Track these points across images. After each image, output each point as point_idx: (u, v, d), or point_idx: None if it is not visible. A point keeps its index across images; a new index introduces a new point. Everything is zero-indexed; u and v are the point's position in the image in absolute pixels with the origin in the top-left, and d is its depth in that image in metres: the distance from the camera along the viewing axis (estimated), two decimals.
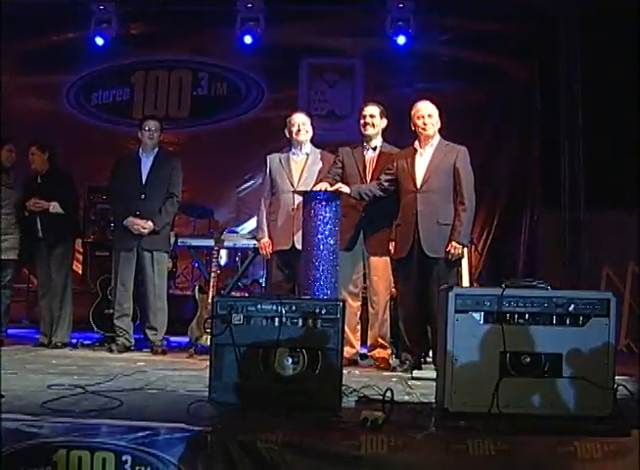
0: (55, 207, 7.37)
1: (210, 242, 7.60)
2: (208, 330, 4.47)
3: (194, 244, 8.29)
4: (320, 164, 6.86)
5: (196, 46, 11.28)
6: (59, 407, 3.86)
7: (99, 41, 10.89)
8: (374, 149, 6.70)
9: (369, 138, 6.68)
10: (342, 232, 6.22)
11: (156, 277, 7.22)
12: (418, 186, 6.15)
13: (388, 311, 6.65)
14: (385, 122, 6.72)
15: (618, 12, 8.23)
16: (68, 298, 7.52)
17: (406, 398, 4.68)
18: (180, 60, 11.35)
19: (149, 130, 7.28)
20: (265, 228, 6.87)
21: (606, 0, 8.62)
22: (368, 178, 6.59)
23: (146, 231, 7.09)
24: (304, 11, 10.85)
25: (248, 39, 10.76)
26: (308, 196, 6.06)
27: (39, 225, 7.38)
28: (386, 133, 6.77)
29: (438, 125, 6.29)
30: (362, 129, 6.68)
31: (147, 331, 7.25)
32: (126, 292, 7.21)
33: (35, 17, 10.72)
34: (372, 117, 6.66)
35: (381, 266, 6.59)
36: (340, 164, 6.67)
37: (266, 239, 6.84)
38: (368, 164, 6.67)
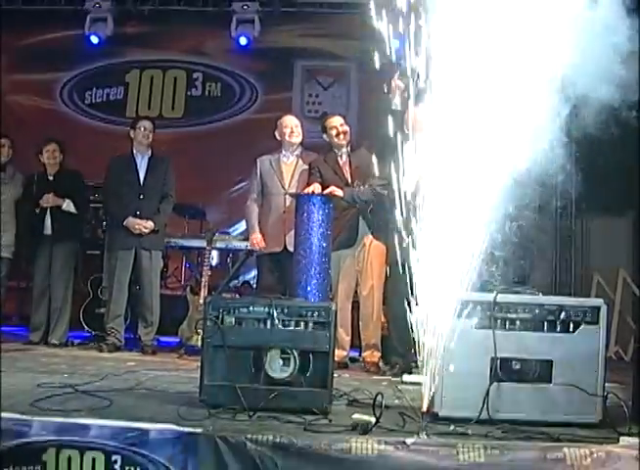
0: (68, 204, 7.40)
1: (202, 243, 7.61)
2: (200, 331, 4.47)
3: (185, 244, 8.30)
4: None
5: (191, 46, 11.29)
6: (49, 406, 3.85)
7: (94, 40, 10.91)
8: (347, 154, 6.85)
9: (342, 145, 6.81)
10: (342, 229, 6.39)
11: (153, 275, 7.26)
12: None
13: (380, 314, 6.68)
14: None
15: None
16: (69, 298, 7.53)
17: (396, 402, 4.68)
18: (175, 60, 11.35)
19: (144, 130, 7.32)
20: (256, 225, 6.87)
21: None
22: (350, 182, 6.66)
23: (147, 231, 7.13)
24: (300, 13, 10.89)
25: (243, 41, 10.79)
26: (301, 199, 6.07)
27: (49, 222, 7.40)
28: None
29: None
30: (336, 140, 6.84)
31: (141, 329, 7.25)
32: (122, 290, 7.22)
33: (30, 14, 10.72)
34: (342, 125, 6.87)
35: (376, 267, 6.60)
36: (318, 175, 6.72)
37: (257, 235, 6.83)
38: (346, 169, 6.78)
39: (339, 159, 6.81)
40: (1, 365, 4.93)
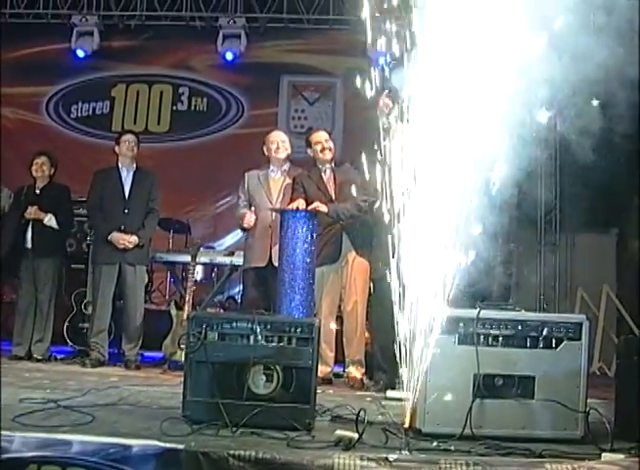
0: (50, 219, 7.37)
1: (187, 257, 7.58)
2: (183, 346, 4.46)
3: (170, 259, 8.27)
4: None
5: (177, 61, 11.32)
6: (30, 422, 3.83)
7: (80, 54, 10.93)
8: (331, 169, 6.82)
9: (326, 161, 6.79)
10: (325, 245, 6.37)
11: (137, 290, 7.24)
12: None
13: (364, 330, 6.67)
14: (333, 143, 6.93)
15: None
16: (52, 313, 7.49)
17: (380, 418, 4.67)
18: (161, 74, 11.37)
19: (128, 143, 7.32)
20: (248, 210, 6.85)
21: None
22: (333, 198, 6.65)
23: (131, 245, 7.10)
24: (286, 29, 10.94)
25: (229, 56, 10.84)
26: (286, 214, 6.06)
27: (29, 236, 7.36)
28: None
29: None
30: (320, 155, 6.80)
31: (125, 344, 7.22)
32: (106, 306, 7.19)
33: (17, 28, 10.73)
34: (327, 141, 6.84)
35: (360, 283, 6.60)
36: (301, 190, 6.70)
37: (252, 215, 6.81)
38: (330, 185, 6.75)
39: (322, 174, 6.79)
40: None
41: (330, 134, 6.99)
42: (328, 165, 6.81)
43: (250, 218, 6.82)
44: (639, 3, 4.23)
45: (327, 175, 6.78)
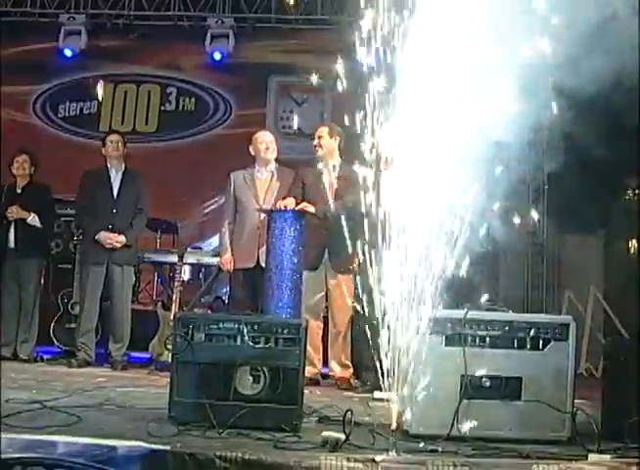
0: (33, 218, 7.34)
1: (174, 258, 7.57)
2: (170, 347, 4.45)
3: (157, 259, 8.25)
4: (284, 181, 6.86)
5: (165, 61, 11.30)
6: (16, 423, 3.81)
7: (67, 53, 10.88)
8: (333, 168, 6.72)
9: (322, 159, 6.73)
10: (306, 251, 6.26)
11: (125, 291, 7.22)
12: None
13: (350, 331, 6.64)
14: (336, 141, 6.72)
15: None
16: (36, 313, 7.46)
17: (367, 418, 4.67)
18: (149, 74, 11.35)
19: (112, 143, 7.32)
20: (228, 246, 6.86)
21: None
22: (330, 198, 6.60)
23: (119, 245, 7.08)
24: (274, 29, 10.93)
25: (217, 56, 10.81)
26: (274, 214, 6.05)
27: (12, 235, 7.32)
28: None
29: None
30: (314, 150, 6.78)
31: (111, 345, 7.20)
32: (93, 306, 7.17)
33: (4, 26, 10.68)
34: (319, 138, 6.75)
35: (343, 285, 6.57)
36: (300, 185, 6.66)
37: (229, 256, 6.83)
38: (327, 184, 6.66)
39: (323, 171, 6.71)
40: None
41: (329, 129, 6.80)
42: (331, 163, 6.73)
43: (228, 263, 6.92)
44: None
45: (327, 173, 6.68)
